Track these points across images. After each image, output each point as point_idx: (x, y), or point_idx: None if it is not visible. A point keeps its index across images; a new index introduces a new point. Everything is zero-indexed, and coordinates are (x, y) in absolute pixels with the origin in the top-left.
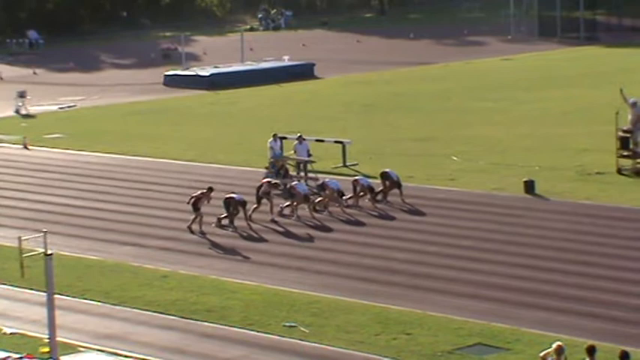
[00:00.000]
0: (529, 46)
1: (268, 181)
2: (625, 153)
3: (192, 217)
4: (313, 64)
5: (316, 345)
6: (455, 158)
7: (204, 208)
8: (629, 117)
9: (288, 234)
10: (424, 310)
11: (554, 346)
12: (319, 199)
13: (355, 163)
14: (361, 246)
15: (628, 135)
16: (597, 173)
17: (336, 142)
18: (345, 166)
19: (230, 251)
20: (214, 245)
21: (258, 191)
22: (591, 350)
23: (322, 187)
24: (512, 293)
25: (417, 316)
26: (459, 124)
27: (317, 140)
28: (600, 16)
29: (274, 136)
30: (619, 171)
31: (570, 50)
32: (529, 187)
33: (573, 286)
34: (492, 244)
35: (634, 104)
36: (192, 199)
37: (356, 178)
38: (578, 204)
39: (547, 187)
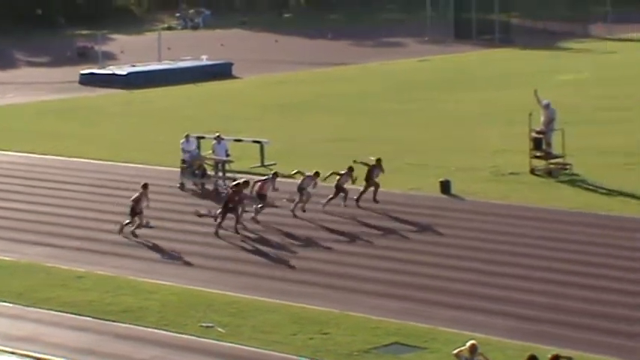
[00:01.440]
0: (445, 47)
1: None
2: (538, 154)
3: (130, 220)
4: (231, 64)
5: (233, 345)
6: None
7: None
8: (542, 118)
9: (207, 234)
10: (341, 309)
11: (467, 344)
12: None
13: (273, 162)
14: (278, 247)
15: (541, 136)
16: (511, 174)
17: (254, 141)
18: (263, 165)
19: (148, 252)
20: (132, 246)
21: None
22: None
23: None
24: (428, 292)
25: (335, 315)
26: (378, 124)
27: (235, 140)
28: (515, 19)
29: (187, 136)
30: (532, 171)
31: (486, 52)
32: (445, 187)
33: (487, 285)
34: (409, 243)
35: (547, 106)
36: (132, 202)
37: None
38: (492, 204)
39: (462, 187)
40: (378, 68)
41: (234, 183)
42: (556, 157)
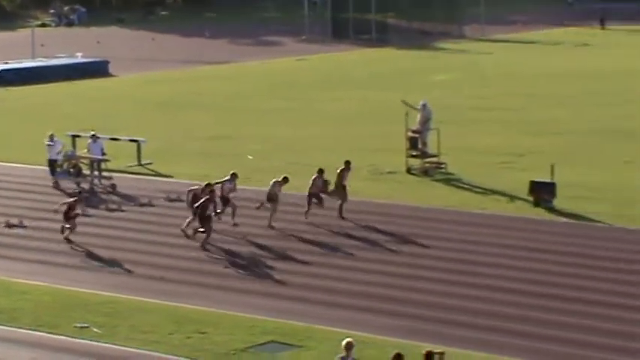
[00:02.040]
0: (323, 46)
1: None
2: (414, 153)
3: (65, 226)
4: (108, 62)
5: (109, 345)
6: (250, 157)
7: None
8: (418, 118)
9: (84, 234)
10: (219, 308)
11: (343, 342)
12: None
13: (149, 162)
14: (157, 245)
15: (417, 135)
16: (388, 173)
17: (130, 140)
18: (140, 164)
19: (20, 252)
20: (4, 246)
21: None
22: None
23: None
24: (305, 291)
25: (213, 314)
26: (255, 123)
27: (111, 139)
28: (391, 19)
29: (51, 136)
30: (408, 170)
31: (363, 51)
32: (324, 185)
33: (363, 282)
34: (287, 242)
35: (423, 106)
36: (65, 206)
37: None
38: (370, 202)
39: None
40: (256, 67)
41: (205, 184)
42: (431, 156)
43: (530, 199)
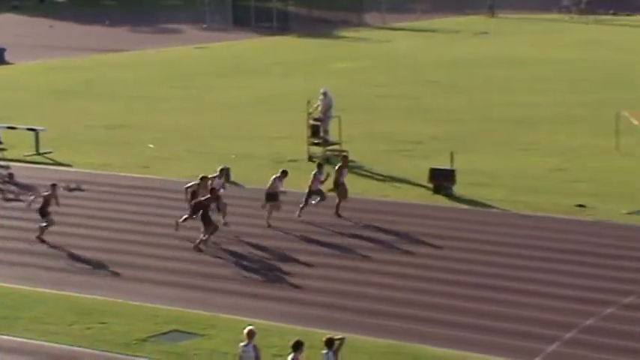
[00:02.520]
0: (224, 34)
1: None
2: (316, 141)
3: (42, 225)
4: (4, 49)
5: (7, 337)
6: (151, 146)
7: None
8: (320, 106)
9: None
10: (121, 298)
11: (245, 330)
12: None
13: (50, 150)
14: (60, 236)
15: (318, 123)
16: (290, 161)
17: (28, 129)
18: (38, 153)
19: None
20: None
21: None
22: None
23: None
24: (204, 279)
25: (113, 304)
26: (155, 111)
27: (8, 127)
28: (292, 7)
29: None
30: (310, 158)
31: (264, 40)
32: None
33: (261, 271)
34: (189, 231)
35: (324, 94)
36: (42, 203)
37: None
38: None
39: (242, 174)
40: (156, 55)
41: (200, 177)
42: (333, 144)
43: (430, 186)
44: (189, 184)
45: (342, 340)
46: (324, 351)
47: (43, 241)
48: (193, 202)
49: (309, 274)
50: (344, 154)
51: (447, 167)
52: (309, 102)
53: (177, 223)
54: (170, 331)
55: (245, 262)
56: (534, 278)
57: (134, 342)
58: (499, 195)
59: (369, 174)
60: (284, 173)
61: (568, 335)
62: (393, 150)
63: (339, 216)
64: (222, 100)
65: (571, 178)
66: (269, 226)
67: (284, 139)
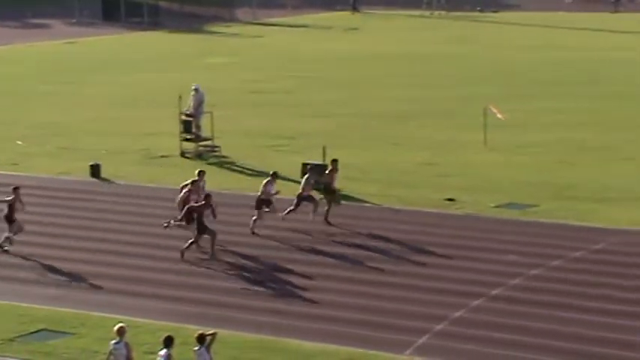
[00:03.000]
0: (94, 29)
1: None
2: (188, 136)
3: (6, 235)
4: None
5: None
6: (19, 142)
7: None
8: (191, 101)
9: None
10: None
11: (115, 328)
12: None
13: None
14: None
15: (190, 119)
16: (162, 156)
17: None
18: None
19: None
20: None
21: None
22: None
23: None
24: (73, 278)
25: None
26: (24, 107)
27: None
28: (163, 2)
29: None
30: (182, 154)
31: (135, 35)
32: (95, 170)
33: (140, 268)
34: (59, 228)
35: (196, 90)
36: (7, 209)
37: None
38: (143, 187)
39: (113, 170)
40: (25, 50)
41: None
42: (205, 139)
43: None
44: (186, 183)
45: (213, 335)
46: (196, 347)
47: (10, 244)
48: (186, 207)
49: (180, 270)
50: (333, 158)
51: (320, 162)
52: (180, 97)
53: (169, 224)
54: (38, 330)
55: (118, 259)
56: (404, 271)
57: (1, 342)
58: (371, 189)
59: (241, 169)
60: (274, 176)
61: (438, 327)
62: (266, 145)
63: (328, 223)
64: (93, 95)
65: (440, 172)
66: (253, 233)
67: (156, 135)
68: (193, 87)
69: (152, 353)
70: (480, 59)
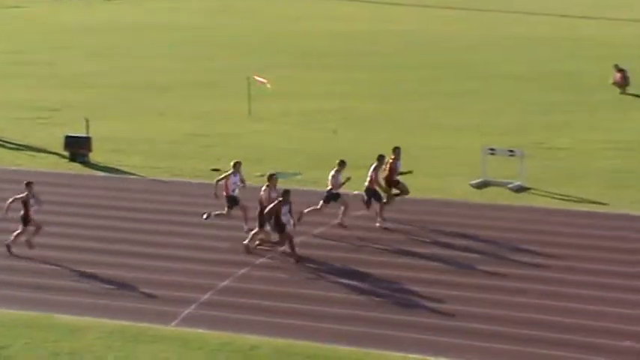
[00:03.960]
0: None
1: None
2: None
3: (23, 230)
4: None
5: None
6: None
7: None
8: None
9: None
10: None
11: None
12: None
13: None
14: None
15: None
16: None
17: None
18: None
19: None
20: None
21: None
22: None
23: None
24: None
25: None
26: None
27: None
28: None
29: None
30: None
31: None
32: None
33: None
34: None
35: None
36: (18, 203)
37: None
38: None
39: None
40: None
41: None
42: None
43: (66, 154)
44: (222, 177)
45: None
46: None
47: (31, 247)
48: (266, 210)
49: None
50: (396, 146)
51: (83, 134)
52: None
53: (210, 215)
54: None
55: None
56: (171, 243)
57: None
58: (136, 161)
59: (1, 143)
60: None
61: (204, 297)
62: (27, 118)
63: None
64: None
65: (206, 142)
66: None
67: None
68: None
69: None
70: (245, 30)
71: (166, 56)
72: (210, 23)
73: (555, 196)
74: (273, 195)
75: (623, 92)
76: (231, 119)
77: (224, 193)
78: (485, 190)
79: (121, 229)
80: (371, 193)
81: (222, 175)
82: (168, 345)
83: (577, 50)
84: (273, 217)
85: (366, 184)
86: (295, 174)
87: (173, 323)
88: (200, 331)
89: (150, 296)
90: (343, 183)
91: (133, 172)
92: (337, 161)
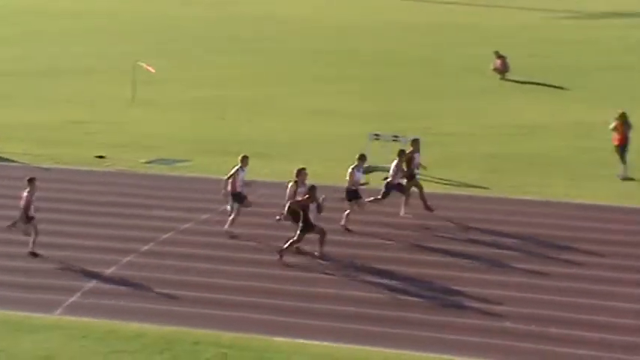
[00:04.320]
0: None
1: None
2: None
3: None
4: None
5: None
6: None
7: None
8: None
9: None
10: None
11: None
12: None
13: None
14: None
15: None
16: None
17: None
18: None
19: None
20: None
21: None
22: None
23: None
24: None
25: None
26: None
27: None
28: None
29: None
30: None
31: None
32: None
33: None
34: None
35: None
36: (24, 205)
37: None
38: None
39: None
40: None
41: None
42: None
43: None
44: (231, 173)
45: None
46: None
47: (35, 255)
48: (291, 204)
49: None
50: (415, 137)
51: None
52: None
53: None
54: None
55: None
56: (55, 231)
57: None
58: (19, 148)
59: None
60: (362, 159)
61: (89, 285)
62: None
63: (429, 209)
64: None
65: (89, 129)
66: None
67: None
68: None
69: None
70: (130, 15)
71: (55, 42)
72: (93, 9)
73: (439, 180)
74: (301, 189)
75: (503, 78)
76: (115, 106)
77: (229, 189)
78: (370, 175)
79: (2, 218)
80: (391, 187)
81: (231, 172)
82: (52, 334)
83: (461, 38)
84: (300, 213)
85: (389, 179)
86: (183, 161)
87: (57, 312)
88: (84, 319)
89: (32, 285)
90: (363, 184)
91: (15, 159)
92: (357, 156)
